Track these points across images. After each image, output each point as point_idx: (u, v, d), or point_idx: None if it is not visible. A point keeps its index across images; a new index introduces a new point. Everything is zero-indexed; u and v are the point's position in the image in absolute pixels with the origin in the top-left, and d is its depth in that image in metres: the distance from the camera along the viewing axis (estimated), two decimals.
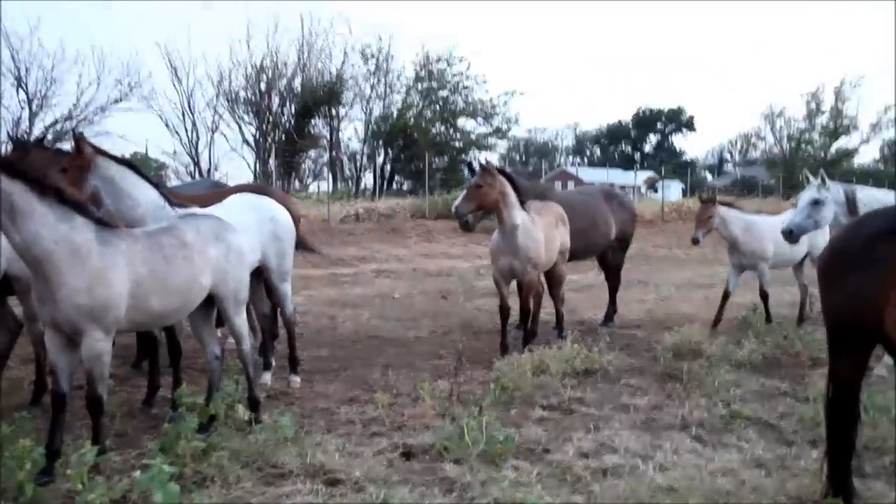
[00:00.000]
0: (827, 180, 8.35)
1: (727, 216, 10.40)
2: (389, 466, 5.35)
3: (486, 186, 8.41)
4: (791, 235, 8.47)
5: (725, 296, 10.72)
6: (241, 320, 6.04)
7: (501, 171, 8.85)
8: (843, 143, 61.18)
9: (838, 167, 54.40)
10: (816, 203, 8.25)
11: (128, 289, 4.95)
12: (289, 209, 7.89)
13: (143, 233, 5.43)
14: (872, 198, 8.18)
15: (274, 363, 7.77)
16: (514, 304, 9.24)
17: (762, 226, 10.67)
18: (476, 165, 8.94)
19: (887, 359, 7.96)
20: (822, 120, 59.95)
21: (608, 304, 11.38)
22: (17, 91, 27.97)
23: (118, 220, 5.88)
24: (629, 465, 5.42)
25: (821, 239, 11.01)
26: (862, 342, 4.39)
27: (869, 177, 45.43)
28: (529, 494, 4.68)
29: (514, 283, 9.24)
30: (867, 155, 68.19)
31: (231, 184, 13.32)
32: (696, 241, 10.33)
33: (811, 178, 8.58)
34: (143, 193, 6.37)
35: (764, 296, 10.74)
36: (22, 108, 28.21)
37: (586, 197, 11.26)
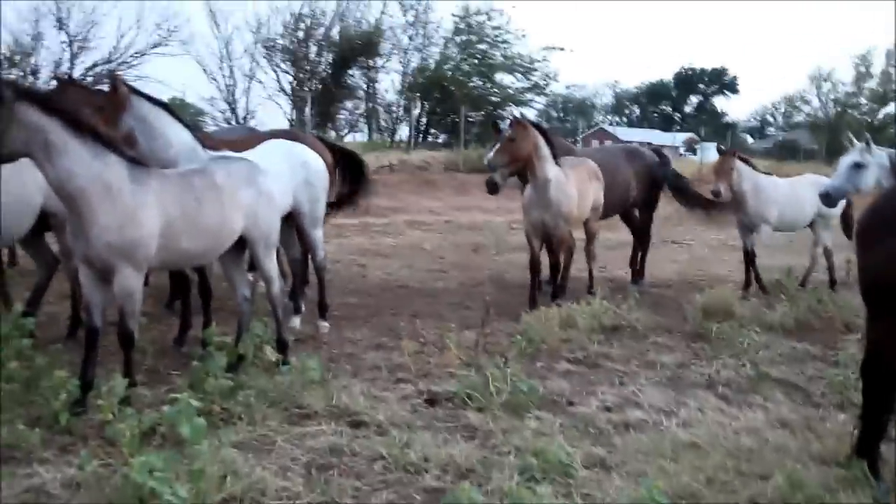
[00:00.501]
0: (872, 144, 8.14)
1: (742, 170, 10.18)
2: (413, 412, 5.42)
3: (519, 140, 8.32)
4: (829, 198, 8.30)
5: (748, 256, 10.56)
6: (271, 263, 6.09)
7: (534, 125, 8.76)
8: (892, 109, 59.48)
9: (886, 134, 53.01)
10: (858, 166, 8.04)
11: (158, 228, 5.01)
12: (322, 156, 7.89)
13: (176, 173, 5.47)
14: None
15: (304, 308, 7.84)
16: (545, 259, 9.20)
17: (769, 187, 10.47)
18: (506, 124, 8.87)
19: None
20: (872, 84, 58.36)
21: (638, 264, 11.24)
22: (59, 32, 28.13)
23: (151, 159, 5.91)
24: (652, 421, 5.44)
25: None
26: None
27: None
28: (551, 444, 4.70)
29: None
30: None
31: None
32: (717, 194, 10.03)
33: (855, 140, 8.37)
34: (177, 134, 6.39)
35: (751, 257, 10.54)
36: (63, 50, 28.38)
37: (606, 155, 10.96)
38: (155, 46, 29.93)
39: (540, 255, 9.00)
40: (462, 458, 4.56)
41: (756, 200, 10.25)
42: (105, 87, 6.86)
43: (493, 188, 8.72)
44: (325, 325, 7.54)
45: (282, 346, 6.17)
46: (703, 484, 4.36)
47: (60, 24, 28.12)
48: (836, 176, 8.30)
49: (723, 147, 10.85)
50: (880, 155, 8.01)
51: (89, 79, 25.57)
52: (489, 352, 6.73)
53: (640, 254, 11.28)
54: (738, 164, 10.13)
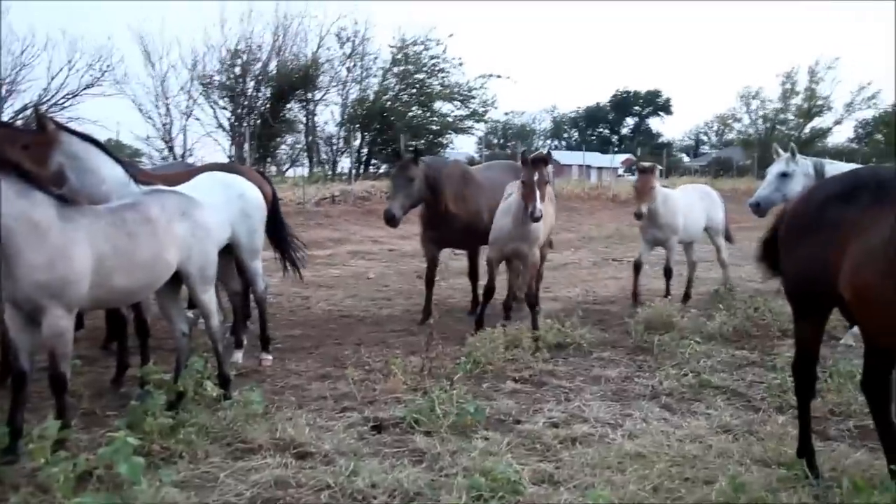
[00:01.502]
0: (797, 154, 8.43)
1: (658, 186, 10.23)
2: (360, 439, 5.36)
3: None
4: (758, 208, 8.58)
5: (637, 268, 10.67)
6: (209, 297, 5.98)
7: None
8: (817, 123, 61.74)
9: (812, 147, 54.83)
10: (785, 176, 8.37)
11: (90, 265, 4.88)
12: (260, 187, 7.82)
13: (106, 209, 5.34)
14: (841, 171, 8.24)
15: (246, 342, 7.71)
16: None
17: (676, 199, 10.55)
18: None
19: (855, 329, 8.07)
20: (797, 101, 60.44)
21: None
22: None
23: (81, 196, 5.78)
24: (598, 434, 5.48)
25: (720, 214, 11.20)
26: (819, 305, 4.44)
27: (842, 156, 45.86)
28: (498, 463, 4.69)
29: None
30: (841, 135, 68.70)
31: None
32: (638, 216, 10.06)
33: (780, 151, 8.65)
34: (109, 170, 6.28)
35: (668, 272, 10.67)
36: None
37: (499, 174, 10.31)
38: (87, 87, 29.25)
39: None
40: (410, 482, 4.51)
41: (666, 213, 10.29)
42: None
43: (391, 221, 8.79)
44: (267, 358, 7.43)
45: (223, 381, 6.05)
46: (649, 493, 4.39)
47: None
48: (764, 186, 8.59)
49: (643, 165, 10.70)
50: (805, 164, 8.31)
51: (20, 122, 24.93)
52: (435, 375, 6.70)
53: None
54: (657, 181, 10.15)
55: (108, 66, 29.39)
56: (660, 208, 10.16)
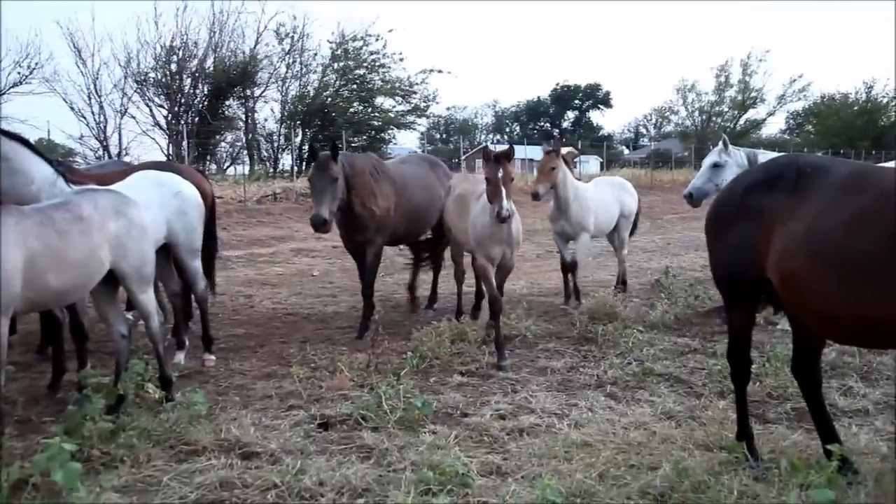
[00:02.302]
0: (729, 145, 8.64)
1: (569, 175, 9.79)
2: (307, 437, 5.32)
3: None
4: (692, 199, 8.80)
5: (565, 268, 10.17)
6: (147, 298, 5.83)
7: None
8: (751, 114, 63.44)
9: (747, 138, 56.35)
10: (717, 166, 8.62)
11: (21, 265, 4.73)
12: (198, 186, 7.68)
13: (33, 208, 5.18)
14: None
15: (188, 342, 7.57)
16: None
17: (588, 196, 10.07)
18: None
19: None
20: (731, 93, 61.95)
21: (432, 289, 10.46)
22: None
23: (9, 197, 5.60)
24: (545, 424, 5.52)
25: (633, 207, 11.01)
26: (748, 291, 4.55)
27: (775, 146, 47.16)
28: (447, 456, 4.71)
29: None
30: (774, 126, 70.65)
31: None
32: (535, 196, 9.67)
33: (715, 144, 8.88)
34: (38, 169, 6.09)
35: (573, 267, 10.03)
36: None
37: (418, 168, 9.81)
38: (14, 85, 28.50)
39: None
40: (358, 479, 4.49)
41: (578, 208, 9.86)
42: None
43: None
44: (210, 359, 7.31)
45: (165, 383, 5.92)
46: (595, 480, 4.45)
47: None
48: (698, 177, 8.81)
49: (549, 146, 10.33)
50: (738, 155, 8.53)
51: None
52: (381, 371, 6.70)
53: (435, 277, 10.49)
54: (563, 165, 9.70)
55: (36, 63, 28.63)
56: (570, 200, 9.79)
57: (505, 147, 7.18)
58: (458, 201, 8.21)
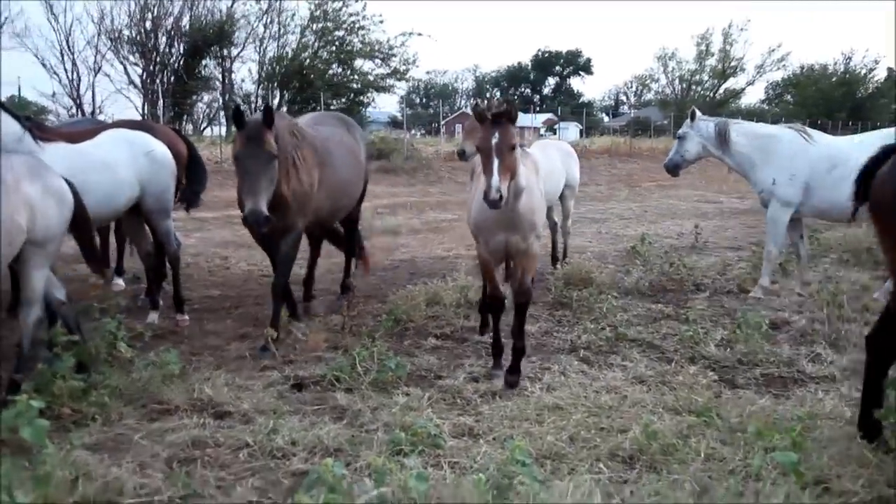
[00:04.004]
0: (697, 116, 8.77)
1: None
2: (280, 398, 5.33)
3: None
4: (667, 171, 9.01)
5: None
6: (38, 277, 5.17)
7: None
8: (730, 84, 63.58)
9: (726, 107, 56.57)
10: (681, 138, 8.81)
11: None
12: (172, 145, 7.57)
13: None
14: (748, 131, 8.58)
15: (162, 303, 7.53)
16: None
17: (534, 161, 9.00)
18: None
19: (762, 280, 8.41)
20: (712, 62, 62.00)
21: (345, 272, 8.75)
22: None
23: None
24: (518, 387, 5.55)
25: (577, 175, 10.23)
26: None
27: (754, 116, 47.29)
28: (419, 417, 4.74)
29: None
30: (753, 96, 70.93)
31: None
32: (461, 155, 8.76)
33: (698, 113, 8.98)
34: (3, 125, 5.95)
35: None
36: None
37: (336, 130, 7.83)
38: None
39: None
40: (330, 438, 4.52)
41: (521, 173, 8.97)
42: None
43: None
44: (184, 319, 7.27)
45: (12, 388, 4.93)
46: (566, 442, 4.50)
47: None
48: (672, 150, 9.03)
49: (479, 104, 9.24)
50: (704, 125, 8.68)
51: None
52: (356, 333, 6.69)
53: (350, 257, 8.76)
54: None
55: (5, 17, 28.01)
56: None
57: (502, 105, 5.34)
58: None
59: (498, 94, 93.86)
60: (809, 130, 8.45)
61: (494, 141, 5.07)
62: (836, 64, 67.97)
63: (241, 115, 6.06)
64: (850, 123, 53.05)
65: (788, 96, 70.87)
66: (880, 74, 67.56)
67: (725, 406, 5.04)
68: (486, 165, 5.09)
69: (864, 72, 66.98)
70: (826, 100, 63.39)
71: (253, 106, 36.50)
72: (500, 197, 4.97)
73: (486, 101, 6.65)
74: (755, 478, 3.91)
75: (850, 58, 66.89)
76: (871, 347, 4.62)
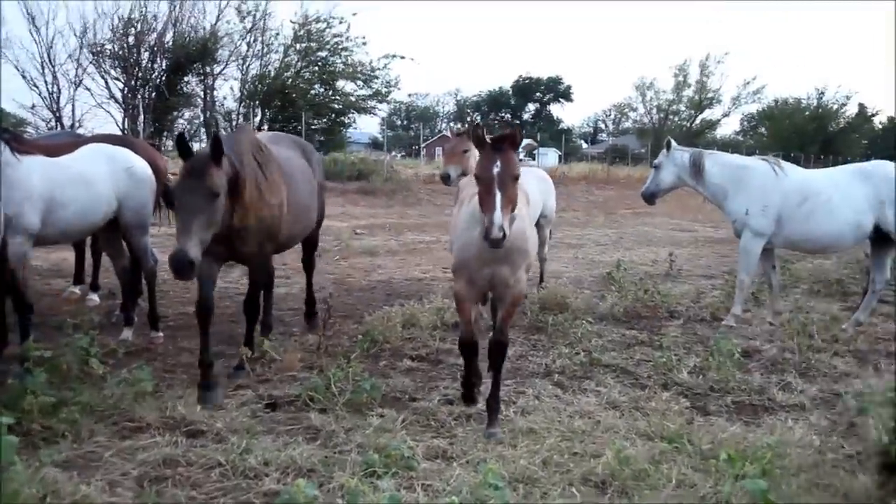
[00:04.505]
0: (672, 146, 8.90)
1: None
2: (253, 417, 5.29)
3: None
4: (644, 198, 9.14)
5: None
6: None
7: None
8: (707, 114, 64.50)
9: (702, 138, 57.31)
10: (656, 167, 8.94)
11: None
12: (152, 161, 7.56)
13: None
14: (722, 161, 8.70)
15: (136, 319, 7.45)
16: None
17: None
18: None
19: (734, 309, 8.49)
20: (689, 93, 62.88)
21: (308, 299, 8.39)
22: None
23: None
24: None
25: (553, 202, 10.06)
26: None
27: (729, 147, 47.92)
28: (393, 439, 4.72)
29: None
30: (729, 127, 71.89)
31: None
32: (445, 179, 8.38)
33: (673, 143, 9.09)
34: None
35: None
36: None
37: (292, 153, 7.18)
38: None
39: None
40: (303, 459, 4.50)
41: None
42: None
43: None
44: (158, 336, 7.21)
45: None
46: (539, 466, 4.50)
47: None
48: (648, 178, 9.16)
49: (460, 128, 9.39)
50: (679, 155, 8.78)
51: None
52: (332, 353, 6.67)
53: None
54: (476, 150, 8.70)
55: None
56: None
57: (507, 129, 4.88)
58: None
59: (479, 118, 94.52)
60: (782, 163, 8.59)
61: (496, 170, 4.52)
62: (809, 98, 69.26)
63: (185, 144, 5.31)
64: (822, 157, 53.87)
65: (763, 128, 71.98)
66: (852, 110, 68.89)
67: (697, 433, 5.06)
68: (487, 199, 4.52)
69: (836, 107, 68.19)
70: (799, 133, 64.41)
71: (233, 123, 36.41)
72: (504, 235, 4.44)
73: (466, 124, 6.49)
74: None
75: (822, 93, 68.17)
76: None
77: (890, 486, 4.30)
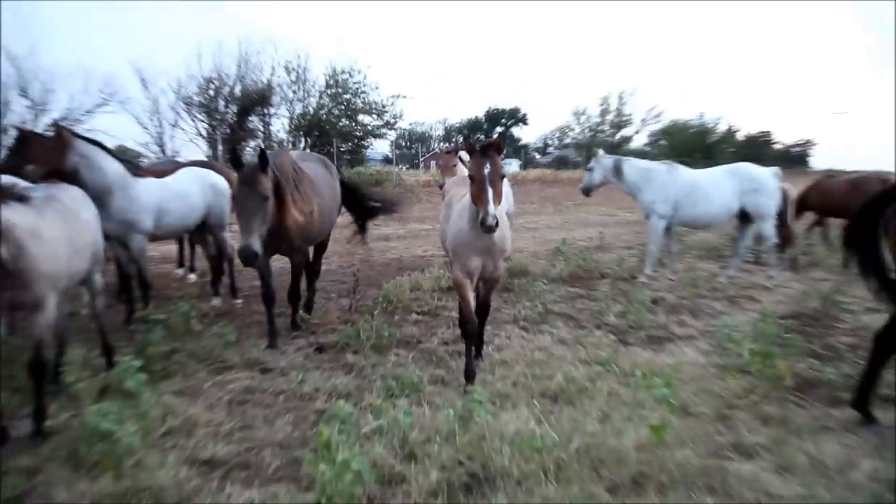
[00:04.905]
0: (599, 154, 8.91)
1: (465, 172, 7.90)
2: (306, 358, 5.33)
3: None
4: (582, 192, 9.11)
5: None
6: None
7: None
8: (624, 132, 64.21)
9: (621, 149, 56.88)
10: (589, 170, 8.93)
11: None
12: (228, 179, 7.53)
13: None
14: (635, 165, 8.70)
15: (221, 290, 7.46)
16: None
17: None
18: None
19: (646, 270, 8.52)
20: (611, 117, 62.58)
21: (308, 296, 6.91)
22: (23, 99, 25.65)
23: (93, 184, 5.47)
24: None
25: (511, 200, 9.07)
26: None
27: (639, 155, 47.66)
28: (405, 371, 4.77)
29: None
30: (639, 141, 71.58)
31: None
32: (441, 186, 7.56)
33: (599, 152, 9.05)
34: (111, 166, 5.89)
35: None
36: (27, 113, 25.88)
37: (317, 167, 6.52)
38: (99, 106, 27.86)
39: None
40: (342, 386, 4.57)
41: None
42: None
43: None
44: (237, 302, 7.24)
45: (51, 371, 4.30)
46: (510, 387, 4.56)
47: (24, 93, 25.60)
48: (584, 178, 9.13)
49: (448, 148, 9.21)
50: (606, 161, 8.79)
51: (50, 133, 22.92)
52: (360, 311, 6.69)
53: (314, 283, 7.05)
54: (461, 164, 8.07)
55: (114, 90, 28.21)
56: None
57: (493, 137, 4.39)
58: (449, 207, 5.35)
59: (462, 138, 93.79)
60: (677, 165, 8.62)
61: (486, 171, 4.23)
62: (693, 119, 69.16)
63: (238, 159, 4.99)
64: (704, 161, 53.56)
65: (663, 141, 71.62)
66: (722, 128, 69.21)
67: (621, 358, 5.14)
68: (480, 194, 4.21)
69: (711, 125, 68.31)
70: (687, 144, 64.09)
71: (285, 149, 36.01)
72: (497, 223, 4.17)
73: (452, 143, 6.18)
74: (640, 406, 4.01)
75: (702, 115, 68.29)
76: (877, 344, 3.94)
77: (749, 388, 4.40)
